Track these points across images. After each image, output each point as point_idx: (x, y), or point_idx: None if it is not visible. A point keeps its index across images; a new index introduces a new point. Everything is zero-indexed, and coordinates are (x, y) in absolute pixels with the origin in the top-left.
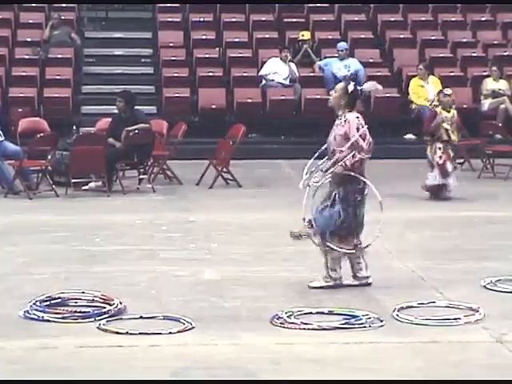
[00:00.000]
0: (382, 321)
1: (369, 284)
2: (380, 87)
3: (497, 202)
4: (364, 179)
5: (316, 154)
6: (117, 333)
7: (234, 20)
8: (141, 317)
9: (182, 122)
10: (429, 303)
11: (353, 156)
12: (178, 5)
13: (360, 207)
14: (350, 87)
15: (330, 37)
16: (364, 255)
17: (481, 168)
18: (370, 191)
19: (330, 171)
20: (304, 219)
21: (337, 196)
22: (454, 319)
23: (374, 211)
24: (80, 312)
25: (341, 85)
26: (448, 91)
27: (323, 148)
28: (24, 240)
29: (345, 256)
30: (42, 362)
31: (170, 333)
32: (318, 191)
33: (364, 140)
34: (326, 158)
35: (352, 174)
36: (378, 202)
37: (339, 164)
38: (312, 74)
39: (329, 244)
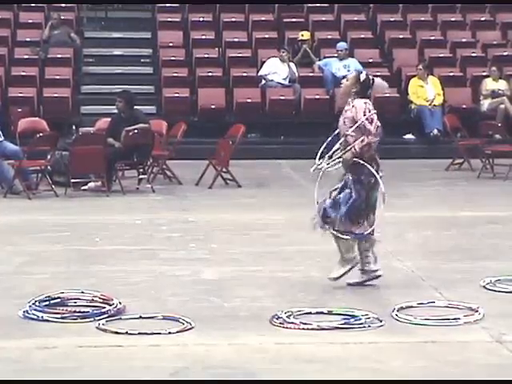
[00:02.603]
0: (381, 321)
1: (378, 277)
2: (386, 85)
3: (497, 201)
4: (371, 168)
5: (327, 141)
6: (116, 333)
7: (233, 20)
8: (140, 317)
9: (182, 121)
10: (428, 303)
11: (361, 141)
12: (177, 5)
13: (373, 190)
14: (362, 76)
15: (329, 37)
16: (374, 248)
17: (480, 168)
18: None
19: (339, 155)
20: (317, 202)
21: (350, 179)
22: (454, 319)
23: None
24: (79, 312)
25: (353, 73)
26: None
27: (335, 133)
28: (24, 240)
29: (355, 242)
30: (41, 362)
31: (170, 333)
32: (327, 177)
33: (371, 123)
34: (339, 143)
35: (361, 161)
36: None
37: (348, 149)
38: (311, 74)
39: (339, 234)
